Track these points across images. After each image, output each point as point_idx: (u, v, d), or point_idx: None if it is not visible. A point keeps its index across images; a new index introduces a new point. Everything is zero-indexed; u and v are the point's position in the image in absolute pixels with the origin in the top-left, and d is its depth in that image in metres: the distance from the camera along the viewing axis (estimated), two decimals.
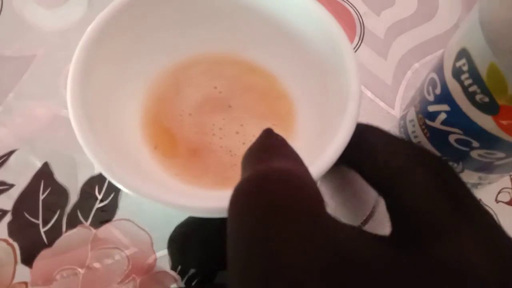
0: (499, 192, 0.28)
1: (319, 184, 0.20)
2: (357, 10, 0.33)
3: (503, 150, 0.19)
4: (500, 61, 0.15)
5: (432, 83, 0.20)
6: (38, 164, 0.27)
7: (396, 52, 0.32)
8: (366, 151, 0.16)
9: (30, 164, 0.27)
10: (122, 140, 0.22)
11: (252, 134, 0.24)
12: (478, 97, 0.17)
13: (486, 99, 0.17)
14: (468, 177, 0.23)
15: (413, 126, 0.24)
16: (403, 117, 0.26)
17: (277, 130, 0.24)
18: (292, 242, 0.10)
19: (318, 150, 0.19)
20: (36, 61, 0.30)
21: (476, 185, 0.24)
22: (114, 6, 0.22)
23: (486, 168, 0.21)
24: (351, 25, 0.33)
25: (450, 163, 0.22)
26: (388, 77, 0.31)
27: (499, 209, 0.27)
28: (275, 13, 0.23)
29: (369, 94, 0.30)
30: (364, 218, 0.26)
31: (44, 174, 0.27)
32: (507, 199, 0.27)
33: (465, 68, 0.17)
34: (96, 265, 0.25)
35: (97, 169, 0.18)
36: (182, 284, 0.25)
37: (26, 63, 0.30)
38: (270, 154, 0.13)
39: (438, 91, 0.20)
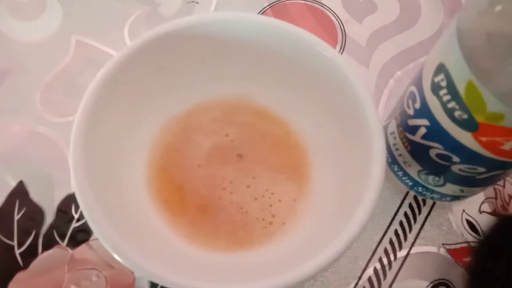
0: (482, 203, 0.27)
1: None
2: (338, 17, 0.33)
3: (484, 166, 0.18)
4: (478, 79, 0.15)
5: (412, 97, 0.20)
6: (13, 183, 0.26)
7: (378, 60, 0.31)
8: None
9: (4, 183, 0.26)
10: (127, 198, 0.21)
11: (264, 189, 0.23)
12: (456, 113, 0.17)
13: (465, 116, 0.16)
14: (450, 190, 0.22)
15: (394, 138, 0.23)
16: (385, 128, 0.25)
17: (291, 185, 0.24)
18: None
19: (339, 217, 0.19)
20: (12, 75, 0.30)
21: (458, 197, 0.24)
22: (122, 53, 0.20)
23: (467, 182, 0.21)
24: (333, 33, 0.32)
25: (432, 176, 0.22)
26: (370, 86, 0.31)
27: (483, 219, 0.27)
28: (291, 61, 0.22)
29: None
30: None
31: (19, 193, 0.26)
32: (490, 209, 0.27)
33: (443, 83, 0.17)
34: (73, 287, 0.24)
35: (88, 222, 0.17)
36: None
37: (1, 78, 0.29)
38: None
39: (417, 105, 0.19)
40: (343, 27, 0.33)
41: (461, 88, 0.16)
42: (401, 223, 0.26)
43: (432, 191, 0.23)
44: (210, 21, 0.22)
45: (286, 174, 0.24)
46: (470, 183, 0.21)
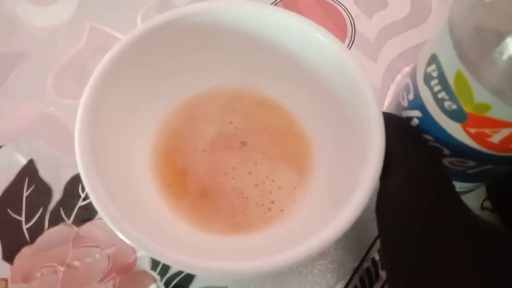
0: (485, 199, 0.27)
1: None
2: (349, 12, 0.33)
3: (473, 159, 0.19)
4: (466, 69, 0.15)
5: (407, 89, 0.20)
6: (23, 161, 0.27)
7: (386, 55, 0.32)
8: None
9: (15, 161, 0.27)
10: (131, 179, 0.22)
11: (265, 176, 0.24)
12: (446, 104, 0.17)
13: (454, 106, 0.17)
14: None
15: None
16: None
17: (291, 173, 0.24)
18: None
19: (335, 204, 0.19)
20: (24, 59, 0.30)
21: None
22: (129, 38, 0.21)
23: (459, 176, 0.21)
24: (343, 27, 0.33)
25: None
26: (377, 80, 0.31)
27: (485, 216, 0.27)
28: (295, 51, 0.23)
29: None
30: None
31: (29, 171, 0.27)
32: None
33: (434, 74, 0.17)
34: (77, 263, 0.25)
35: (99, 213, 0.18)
36: (161, 284, 0.25)
37: (14, 61, 0.30)
38: None
39: (411, 96, 0.20)
40: (353, 22, 0.33)
41: (450, 78, 0.16)
42: None
43: None
44: (215, 10, 0.22)
45: (287, 163, 0.24)
46: (462, 178, 0.21)
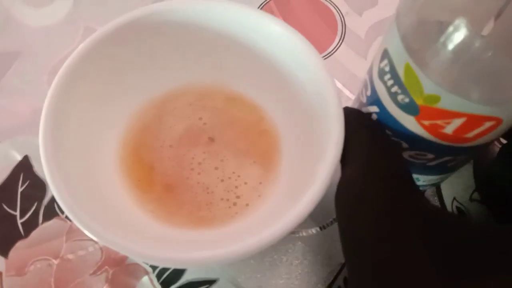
0: (474, 191, 0.28)
1: None
2: (339, 9, 0.34)
3: (431, 151, 0.19)
4: (413, 62, 0.16)
5: (365, 85, 0.20)
6: (18, 157, 0.28)
7: (376, 52, 0.32)
8: None
9: (11, 157, 0.28)
10: (97, 172, 0.22)
11: (231, 171, 0.24)
12: (399, 97, 0.17)
13: (407, 100, 0.17)
14: None
15: None
16: None
17: (258, 168, 0.25)
18: None
19: (294, 198, 0.19)
20: (21, 58, 0.31)
21: (419, 187, 0.24)
22: (99, 34, 0.21)
23: (421, 169, 0.21)
24: (333, 25, 0.33)
25: None
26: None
27: (474, 207, 0.27)
28: (262, 48, 0.23)
29: (347, 93, 0.31)
30: None
31: (24, 166, 0.27)
32: (481, 197, 0.27)
33: (387, 68, 0.17)
34: (70, 256, 0.25)
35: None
36: (153, 276, 0.25)
37: (11, 60, 0.31)
38: None
39: (368, 92, 0.20)
40: (343, 19, 0.33)
41: (400, 71, 0.16)
42: None
43: None
44: (184, 8, 0.22)
45: (254, 158, 0.24)
46: (423, 171, 0.21)
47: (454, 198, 0.27)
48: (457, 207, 0.27)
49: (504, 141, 0.29)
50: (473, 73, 0.15)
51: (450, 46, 0.15)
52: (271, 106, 0.25)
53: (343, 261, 0.25)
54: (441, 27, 0.15)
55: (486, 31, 0.14)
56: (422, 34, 0.16)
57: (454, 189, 0.27)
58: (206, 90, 0.26)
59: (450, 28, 0.14)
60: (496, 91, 0.15)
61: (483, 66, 0.15)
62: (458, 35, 0.14)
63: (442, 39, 0.15)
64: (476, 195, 0.28)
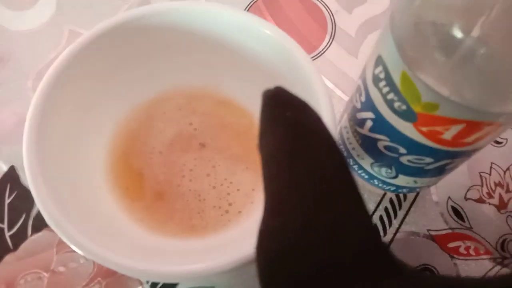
0: (468, 190, 0.28)
1: None
2: (328, 8, 0.33)
3: (430, 156, 0.19)
4: (410, 70, 0.15)
5: (359, 91, 0.20)
6: (4, 168, 0.27)
7: (366, 50, 0.32)
8: None
9: None
10: (84, 183, 0.21)
11: (223, 178, 0.23)
12: (396, 104, 0.17)
13: (404, 107, 0.17)
14: (404, 181, 0.22)
15: (347, 132, 0.23)
16: (339, 123, 0.25)
17: (250, 174, 0.24)
18: None
19: None
20: (3, 63, 0.30)
21: (415, 189, 0.24)
22: (84, 40, 0.20)
23: (418, 172, 0.21)
24: (323, 23, 0.33)
25: (384, 169, 0.22)
26: (358, 75, 0.31)
27: (468, 206, 0.27)
28: (251, 51, 0.22)
29: (339, 93, 0.30)
30: None
31: (10, 178, 0.27)
32: (476, 196, 0.27)
33: (382, 75, 0.17)
34: (61, 268, 0.24)
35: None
36: (147, 286, 0.24)
37: None
38: None
39: (363, 98, 0.20)
40: (333, 18, 0.33)
41: (397, 79, 0.16)
42: (386, 209, 0.27)
43: (388, 184, 0.23)
44: (170, 11, 0.22)
45: (246, 164, 0.24)
46: (421, 174, 0.21)
47: (449, 198, 0.27)
48: (452, 206, 0.27)
49: (501, 140, 0.29)
50: (472, 77, 0.15)
51: (448, 51, 0.14)
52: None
53: None
54: (437, 31, 0.15)
55: (483, 33, 0.14)
56: (418, 40, 0.15)
57: (449, 189, 0.27)
58: (195, 93, 0.25)
59: (447, 32, 0.14)
60: (495, 95, 0.15)
61: (483, 69, 0.15)
62: (455, 39, 0.14)
63: (439, 44, 0.15)
64: (470, 194, 0.27)
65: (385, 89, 0.17)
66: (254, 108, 0.25)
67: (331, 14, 0.33)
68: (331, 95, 0.27)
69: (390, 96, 0.17)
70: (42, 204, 0.18)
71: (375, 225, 0.10)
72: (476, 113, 0.15)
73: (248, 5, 0.33)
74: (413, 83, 0.15)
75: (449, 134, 0.16)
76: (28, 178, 0.18)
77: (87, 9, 0.32)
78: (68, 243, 0.17)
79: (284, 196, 0.12)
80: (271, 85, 0.23)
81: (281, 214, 0.12)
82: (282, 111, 0.13)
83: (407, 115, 0.17)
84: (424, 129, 0.17)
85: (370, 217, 0.10)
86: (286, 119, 0.13)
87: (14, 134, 0.28)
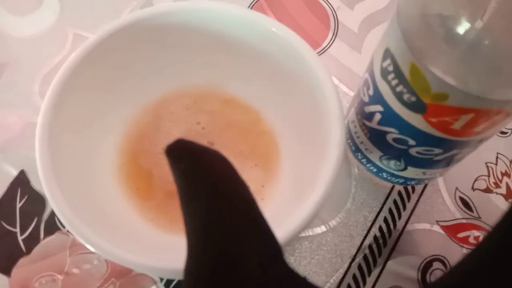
0: (475, 180, 0.28)
1: None
2: (330, 4, 0.33)
3: (439, 147, 0.19)
4: (419, 61, 0.15)
5: (366, 84, 0.20)
6: (14, 172, 0.27)
7: (370, 45, 0.32)
8: None
9: (6, 172, 0.27)
10: (95, 184, 0.21)
11: None
12: (405, 96, 0.17)
13: (413, 99, 0.17)
14: (413, 173, 0.22)
15: (355, 126, 0.23)
16: (346, 118, 0.26)
17: (259, 171, 0.24)
18: None
19: (298, 199, 0.19)
20: (9, 69, 0.30)
21: (423, 180, 0.24)
22: (94, 40, 0.21)
23: (427, 164, 0.21)
24: (325, 20, 0.33)
25: (393, 161, 0.22)
26: (362, 70, 0.31)
27: (476, 197, 0.27)
28: (257, 49, 0.22)
29: (343, 88, 0.30)
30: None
31: (21, 182, 0.27)
32: (483, 186, 0.28)
33: (390, 68, 0.17)
34: (75, 270, 0.25)
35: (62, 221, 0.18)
36: (161, 285, 0.25)
37: None
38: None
39: (371, 91, 0.20)
40: (336, 14, 0.33)
41: (405, 71, 0.16)
42: (395, 202, 0.27)
43: (396, 176, 0.23)
44: (174, 11, 0.22)
45: (255, 161, 0.24)
46: (430, 165, 0.21)
47: (457, 188, 0.27)
48: (460, 197, 0.27)
49: (506, 130, 0.29)
50: (480, 66, 0.15)
51: (455, 41, 0.15)
52: (267, 106, 0.25)
53: (352, 258, 0.25)
54: (444, 21, 0.15)
55: (490, 21, 0.14)
56: (425, 31, 0.15)
57: (456, 180, 0.28)
58: (201, 93, 0.26)
59: (454, 21, 0.14)
60: (504, 82, 0.15)
61: (489, 58, 0.15)
62: (462, 27, 0.14)
63: (446, 34, 0.15)
64: (478, 184, 0.28)
65: (394, 82, 0.17)
66: (259, 104, 0.25)
67: (333, 10, 0.33)
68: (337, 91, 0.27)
69: (399, 88, 0.17)
70: (57, 207, 0.18)
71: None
72: (485, 102, 0.15)
73: (251, 3, 0.33)
74: (422, 74, 0.16)
75: (458, 124, 0.17)
76: (42, 182, 0.18)
77: (90, 12, 0.32)
78: (86, 244, 0.17)
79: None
80: (276, 81, 0.23)
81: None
82: (177, 165, 0.13)
83: (417, 106, 0.17)
84: (433, 120, 0.17)
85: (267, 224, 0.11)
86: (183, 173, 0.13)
87: (22, 139, 0.28)
